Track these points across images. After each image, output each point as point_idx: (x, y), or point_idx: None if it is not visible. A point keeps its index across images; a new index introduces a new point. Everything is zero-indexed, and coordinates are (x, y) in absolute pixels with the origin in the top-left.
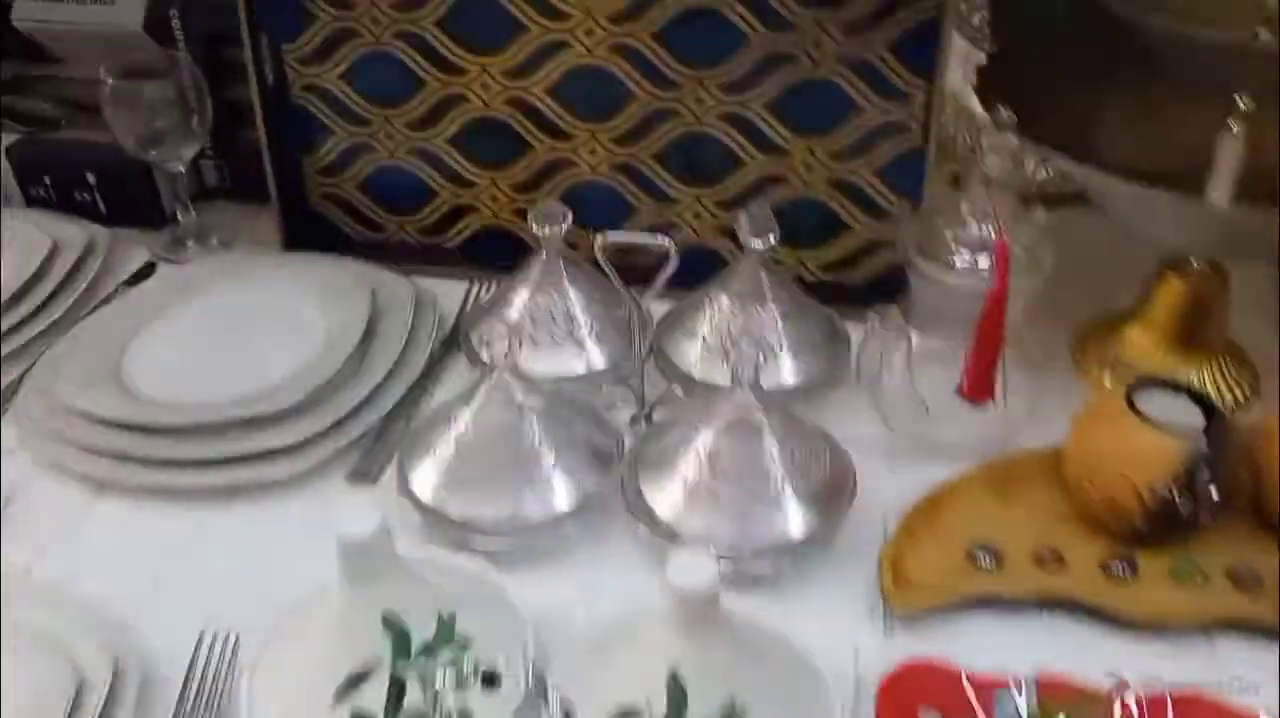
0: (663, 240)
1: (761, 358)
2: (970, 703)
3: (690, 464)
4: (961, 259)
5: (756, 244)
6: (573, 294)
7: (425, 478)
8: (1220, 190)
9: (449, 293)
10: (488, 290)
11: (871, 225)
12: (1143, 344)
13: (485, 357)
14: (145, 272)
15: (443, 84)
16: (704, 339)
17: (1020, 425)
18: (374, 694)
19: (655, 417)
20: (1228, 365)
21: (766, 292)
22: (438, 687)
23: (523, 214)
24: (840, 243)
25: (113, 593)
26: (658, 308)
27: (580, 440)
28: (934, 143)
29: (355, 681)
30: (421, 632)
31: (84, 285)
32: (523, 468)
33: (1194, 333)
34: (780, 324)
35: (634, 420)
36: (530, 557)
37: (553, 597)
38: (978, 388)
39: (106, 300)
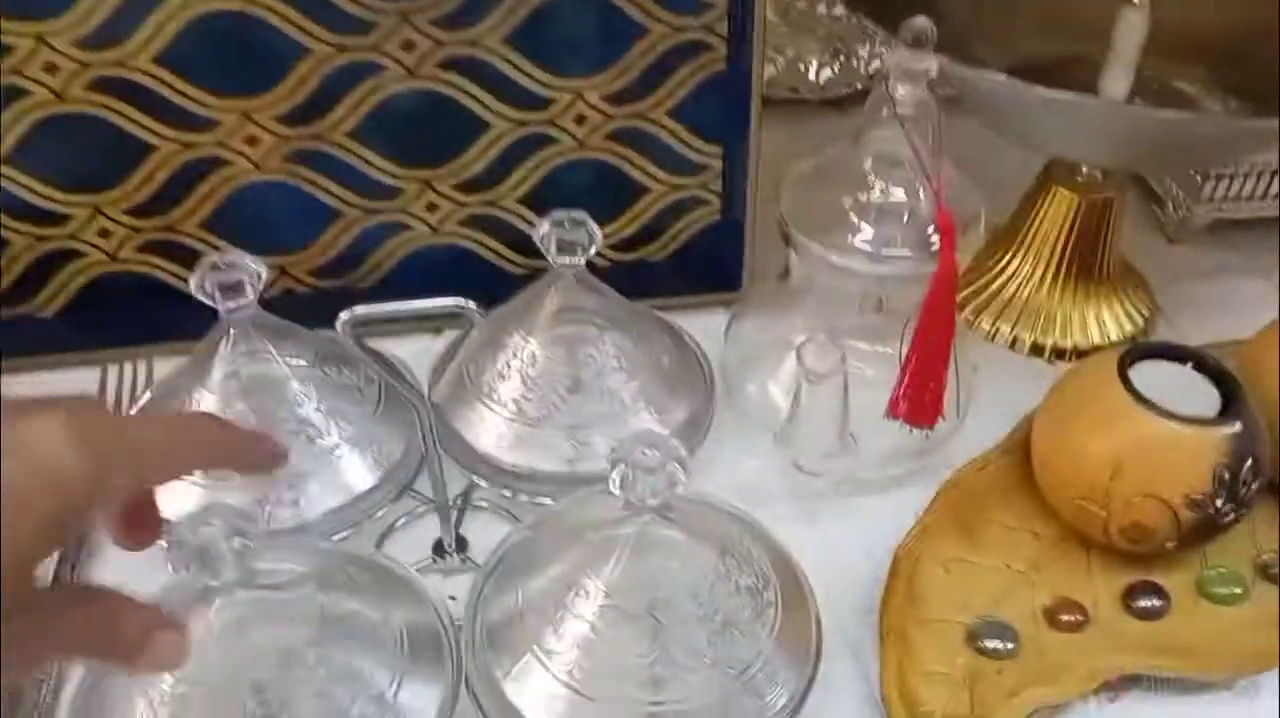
0: (463, 305)
1: (679, 478)
2: None
3: (571, 637)
4: (865, 235)
5: (570, 262)
6: (296, 386)
7: None
8: (1117, 82)
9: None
10: (130, 392)
11: (674, 183)
12: (1027, 276)
13: (199, 570)
14: None
15: None
16: (515, 407)
17: (951, 427)
18: None
19: (468, 537)
20: (1129, 294)
21: (594, 323)
22: None
23: (155, 249)
24: (636, 213)
25: None
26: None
27: (385, 640)
28: (758, 61)
29: None
30: None
31: None
32: None
33: (1088, 258)
34: (623, 366)
35: (439, 552)
36: None
37: None
38: (921, 408)
39: None
